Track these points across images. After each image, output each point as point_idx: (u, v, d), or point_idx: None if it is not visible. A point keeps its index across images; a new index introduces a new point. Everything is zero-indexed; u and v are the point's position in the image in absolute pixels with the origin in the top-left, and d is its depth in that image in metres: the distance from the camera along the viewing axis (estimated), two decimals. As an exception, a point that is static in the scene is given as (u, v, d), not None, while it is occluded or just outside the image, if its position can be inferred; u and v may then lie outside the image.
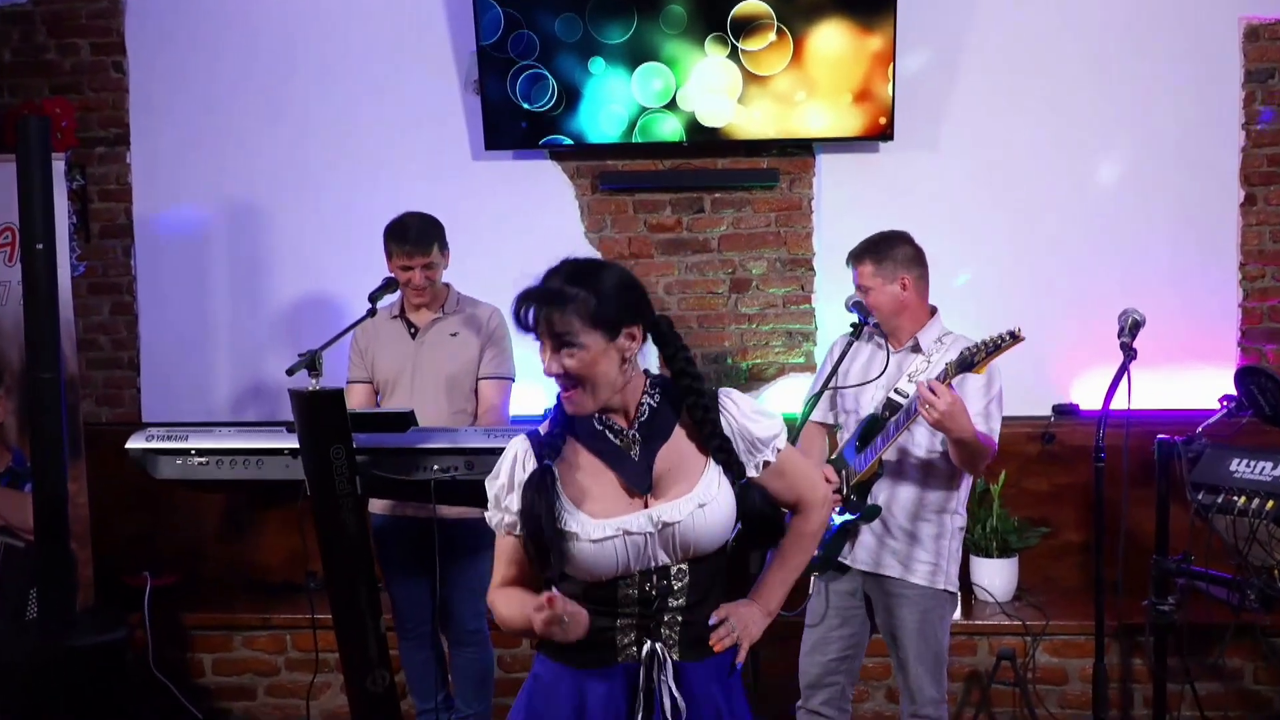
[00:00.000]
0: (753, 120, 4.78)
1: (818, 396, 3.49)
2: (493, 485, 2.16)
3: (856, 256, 3.45)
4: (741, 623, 2.18)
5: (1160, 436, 3.87)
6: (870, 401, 3.39)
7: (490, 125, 4.84)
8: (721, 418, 2.15)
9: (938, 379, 3.12)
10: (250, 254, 5.11)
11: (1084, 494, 4.72)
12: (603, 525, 2.06)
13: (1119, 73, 4.82)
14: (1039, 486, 4.81)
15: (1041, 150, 4.87)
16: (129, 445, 3.33)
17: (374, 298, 3.71)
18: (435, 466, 3.17)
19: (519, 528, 2.12)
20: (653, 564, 2.08)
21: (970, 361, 3.12)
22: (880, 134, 4.75)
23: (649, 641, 2.09)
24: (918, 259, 3.45)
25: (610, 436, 2.12)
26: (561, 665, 2.11)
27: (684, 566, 2.10)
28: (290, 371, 3.24)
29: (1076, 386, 4.85)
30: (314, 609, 3.79)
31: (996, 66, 4.88)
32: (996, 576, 4.58)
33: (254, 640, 4.62)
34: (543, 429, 2.16)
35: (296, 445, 3.17)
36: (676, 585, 2.10)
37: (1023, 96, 4.87)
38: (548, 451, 2.11)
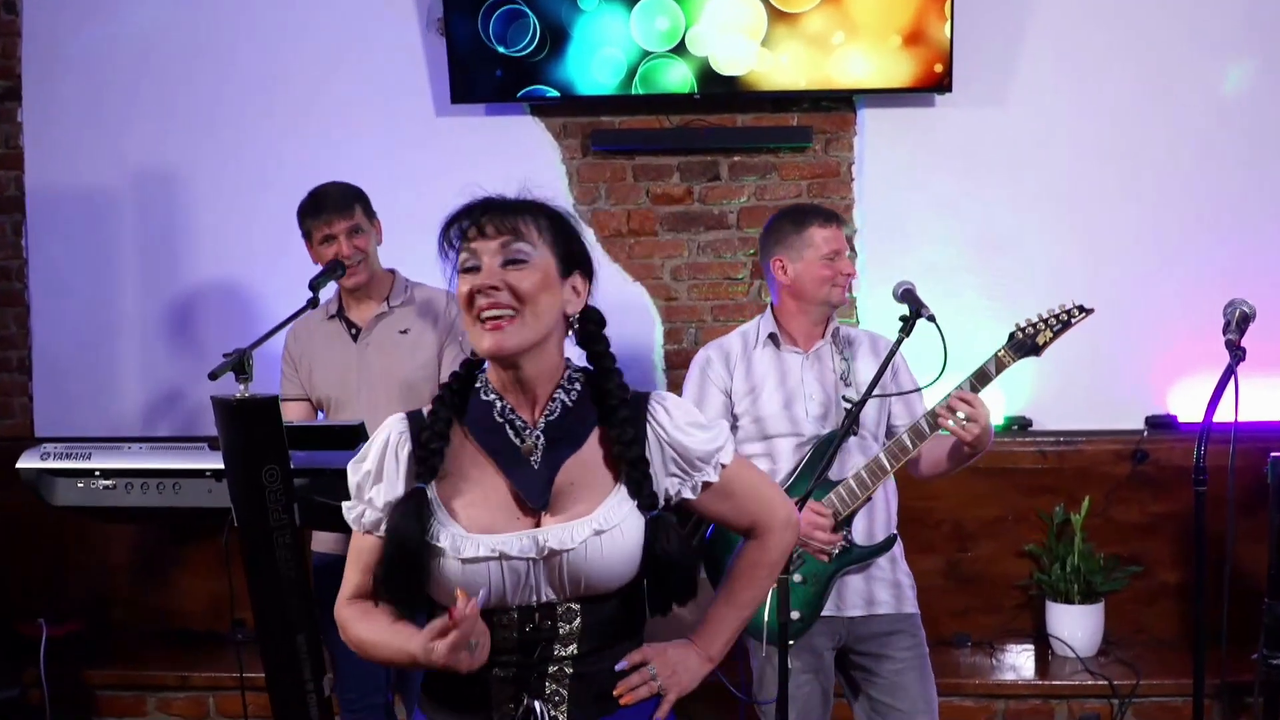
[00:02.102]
0: (780, 67, 4.79)
1: (854, 414, 3.44)
2: (355, 471, 2.14)
3: (836, 216, 3.52)
4: (667, 668, 2.14)
5: (1274, 455, 3.88)
6: (806, 418, 3.41)
7: (457, 74, 4.85)
8: (647, 429, 2.12)
9: (990, 364, 3.12)
10: (165, 233, 5.13)
11: (1183, 525, 4.73)
12: (477, 542, 2.02)
13: (1239, 14, 4.82)
14: (1129, 516, 4.82)
15: (1133, 110, 4.88)
16: (19, 465, 3.33)
17: (315, 284, 3.72)
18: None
19: (381, 529, 2.11)
20: (535, 599, 2.04)
21: (1031, 344, 3.12)
22: (935, 85, 4.76)
23: (527, 697, 2.06)
24: None
25: (509, 433, 2.09)
26: None
27: (574, 606, 2.06)
28: (214, 375, 3.25)
29: (1174, 394, 4.86)
30: (243, 666, 3.80)
31: (1078, 4, 4.89)
32: (1078, 627, 4.59)
33: (170, 703, 4.63)
34: (425, 410, 2.13)
35: (221, 466, 3.18)
36: (564, 629, 2.06)
37: (1111, 43, 4.88)
38: (427, 452, 2.06)
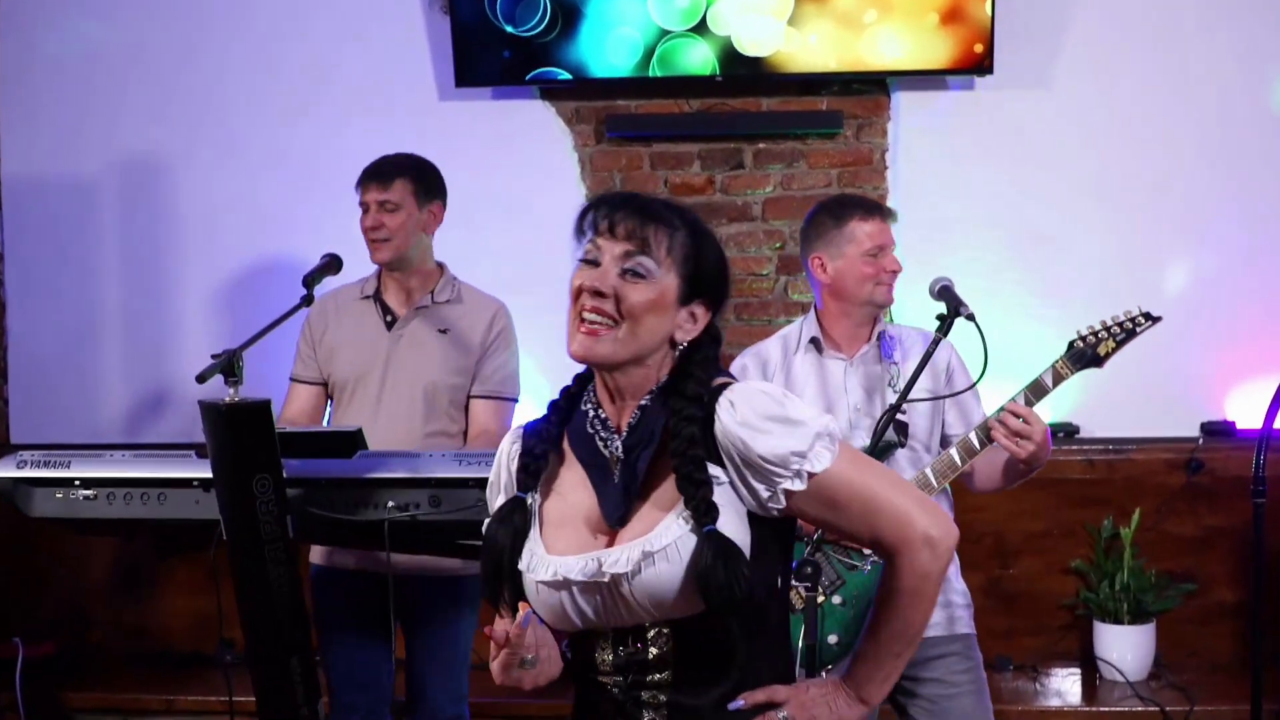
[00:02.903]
0: (808, 48, 4.80)
1: (891, 414, 3.45)
2: (489, 484, 2.21)
3: (880, 209, 3.47)
4: (803, 710, 2.05)
5: (1341, 464, 3.87)
6: (853, 434, 3.38)
7: (462, 55, 4.87)
8: (716, 427, 2.01)
9: (1048, 376, 3.11)
10: (151, 227, 5.15)
11: (1241, 539, 4.71)
12: (551, 565, 2.04)
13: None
14: (1183, 530, 4.81)
15: (1190, 92, 4.87)
16: (-6, 474, 3.36)
17: (310, 280, 3.71)
18: (390, 503, 3.17)
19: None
20: (625, 620, 2.03)
21: (1092, 354, 3.10)
22: (975, 66, 4.76)
23: None
24: None
25: (598, 443, 2.09)
26: None
27: (665, 630, 2.02)
28: (202, 378, 3.24)
29: (1232, 399, 4.85)
30: (232, 689, 3.80)
31: (1128, -23, 4.90)
32: (1128, 649, 4.59)
33: (155, 728, 4.66)
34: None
35: (209, 475, 3.19)
36: (653, 652, 2.03)
37: (1165, 19, 4.87)
38: (531, 459, 2.10)
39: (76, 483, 3.31)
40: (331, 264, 3.77)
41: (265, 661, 3.26)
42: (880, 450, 3.32)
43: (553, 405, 2.15)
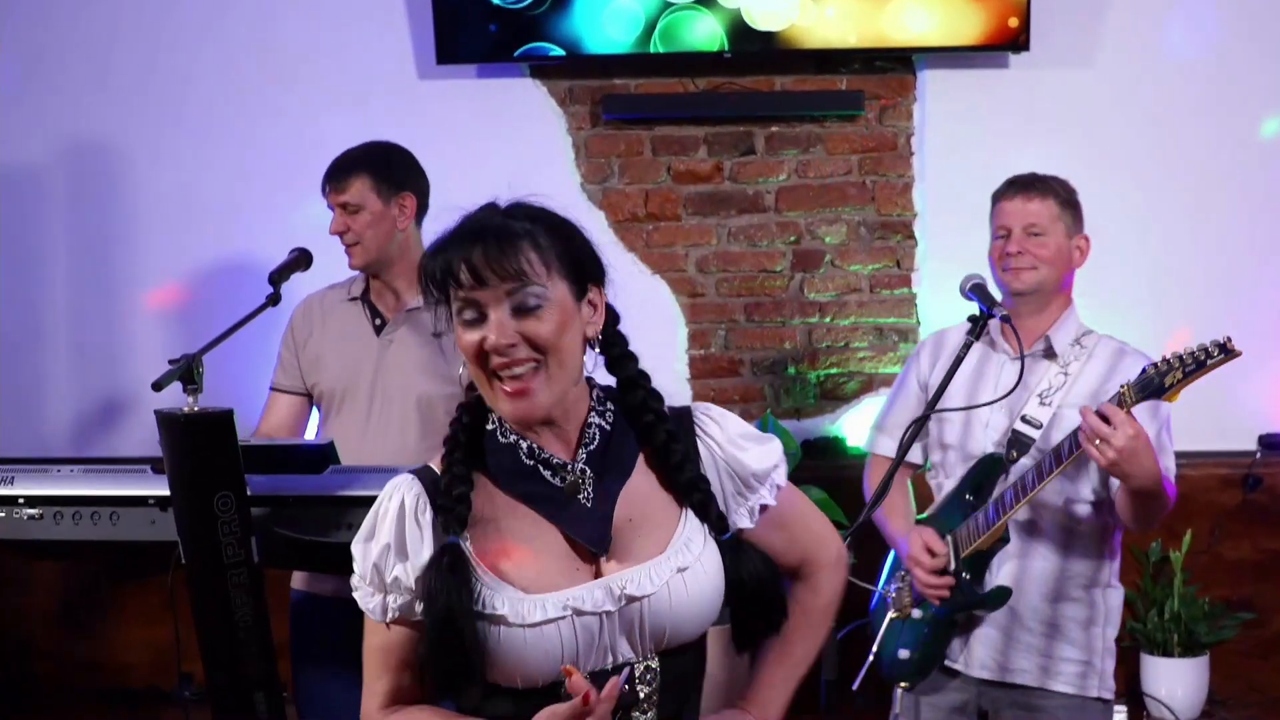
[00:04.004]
0: (826, 22, 4.80)
1: (921, 422, 3.48)
2: (366, 552, 2.08)
3: (1036, 185, 3.44)
4: None
5: None
6: (984, 432, 3.41)
7: (444, 29, 4.87)
8: (698, 444, 2.13)
9: (1114, 401, 3.11)
10: (102, 220, 5.16)
11: (1305, 563, 4.74)
12: (542, 603, 2.00)
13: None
14: (1239, 553, 4.81)
15: (1242, 69, 4.88)
16: (-71, 492, 3.36)
17: (276, 278, 3.71)
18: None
19: (415, 610, 2.05)
20: (610, 660, 2.04)
21: (1158, 384, 3.11)
22: (1010, 42, 4.77)
23: None
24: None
25: (545, 474, 2.07)
26: None
27: (653, 665, 2.07)
28: (158, 385, 3.25)
29: (1293, 410, 4.86)
30: (192, 727, 3.82)
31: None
32: (1178, 683, 4.59)
33: (107, 771, 4.67)
34: (435, 464, 2.10)
35: (166, 492, 3.19)
36: (642, 692, 2.06)
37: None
38: (452, 502, 2.03)
39: (20, 501, 3.31)
40: (300, 259, 3.78)
41: (228, 697, 3.26)
42: (987, 462, 3.33)
43: (451, 446, 2.10)
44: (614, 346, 2.14)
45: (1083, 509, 3.36)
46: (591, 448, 2.08)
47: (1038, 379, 3.36)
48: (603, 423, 2.10)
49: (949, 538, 3.38)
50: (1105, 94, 4.91)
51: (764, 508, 2.17)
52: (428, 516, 2.06)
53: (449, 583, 1.99)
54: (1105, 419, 3.05)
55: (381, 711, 2.14)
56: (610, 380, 2.17)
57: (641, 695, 2.06)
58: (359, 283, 3.85)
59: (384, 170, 3.80)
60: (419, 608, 2.04)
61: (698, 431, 2.14)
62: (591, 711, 1.91)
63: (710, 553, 2.08)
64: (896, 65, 4.95)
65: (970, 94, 4.95)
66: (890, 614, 3.41)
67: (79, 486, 3.31)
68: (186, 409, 3.09)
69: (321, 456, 3.30)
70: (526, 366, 2.01)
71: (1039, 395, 3.35)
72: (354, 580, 2.10)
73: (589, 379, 2.12)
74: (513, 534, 2.07)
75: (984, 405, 3.38)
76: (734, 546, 2.09)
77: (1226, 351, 3.10)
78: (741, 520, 2.15)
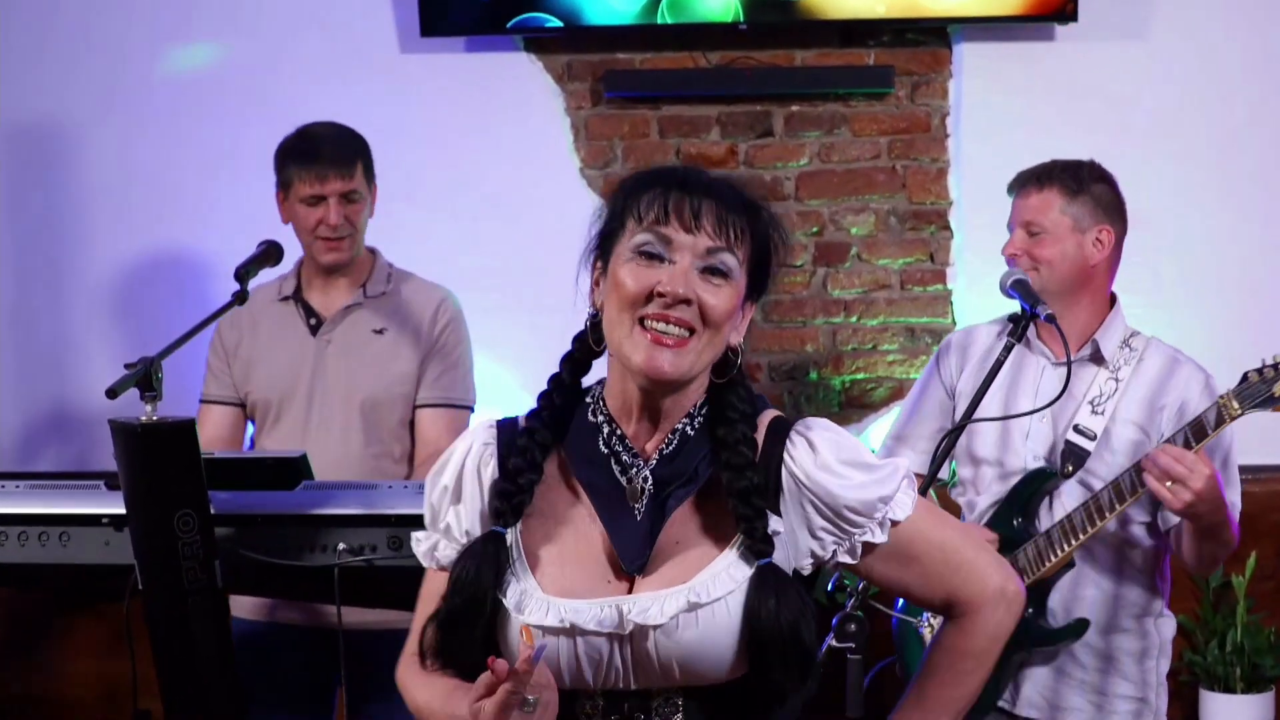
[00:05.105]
0: (851, -10, 4.81)
1: (956, 433, 3.47)
2: (433, 487, 2.18)
3: (1038, 178, 3.47)
4: None
5: None
6: (1025, 445, 3.39)
7: (431, -1, 4.88)
8: (785, 469, 2.10)
9: (1214, 414, 3.10)
10: (47, 209, 5.15)
11: (1382, 590, 4.73)
12: (546, 605, 2.05)
13: None
14: (1308, 578, 4.81)
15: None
16: None
17: (243, 274, 3.70)
18: (341, 545, 3.18)
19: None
20: (621, 683, 2.05)
21: (1267, 393, 3.10)
22: (1056, 12, 4.77)
23: None
24: (1119, 209, 3.48)
25: (614, 468, 2.11)
26: None
27: (676, 698, 2.06)
28: (113, 393, 3.24)
29: (1372, 416, 4.84)
30: (149, 770, 3.82)
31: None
32: (1241, 721, 4.58)
33: (55, 818, 4.66)
34: (523, 420, 2.16)
35: (121, 510, 3.19)
36: None
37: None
38: (515, 489, 2.08)
39: (-40, 520, 3.31)
40: (269, 253, 3.77)
41: (189, 738, 3.26)
42: (1036, 477, 3.32)
43: (539, 413, 2.14)
44: (732, 373, 2.15)
45: (1136, 531, 3.36)
46: (666, 452, 2.10)
47: (1085, 385, 3.36)
48: (689, 426, 2.11)
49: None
50: (1160, 69, 4.91)
51: (870, 545, 2.10)
52: (490, 469, 2.13)
53: (483, 574, 2.05)
54: (1175, 459, 3.06)
55: (411, 656, 2.21)
56: None
57: None
58: (290, 280, 3.87)
59: (368, 153, 3.84)
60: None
61: (786, 452, 2.10)
62: (505, 680, 1.91)
63: (742, 589, 2.04)
64: (930, 38, 4.94)
65: (1012, 69, 4.94)
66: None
67: (25, 504, 3.32)
68: (144, 418, 3.09)
69: (293, 470, 3.30)
70: (683, 330, 2.04)
71: (1090, 403, 3.35)
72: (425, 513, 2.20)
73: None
74: (561, 522, 2.12)
75: (1026, 414, 3.38)
76: (759, 577, 2.04)
77: None
78: (842, 555, 2.11)
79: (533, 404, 2.17)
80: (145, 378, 3.17)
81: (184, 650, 3.17)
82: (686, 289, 2.02)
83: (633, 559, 2.06)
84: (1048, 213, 3.41)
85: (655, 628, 2.01)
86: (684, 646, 2.02)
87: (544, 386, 2.16)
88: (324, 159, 3.76)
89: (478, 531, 2.12)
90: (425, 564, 2.19)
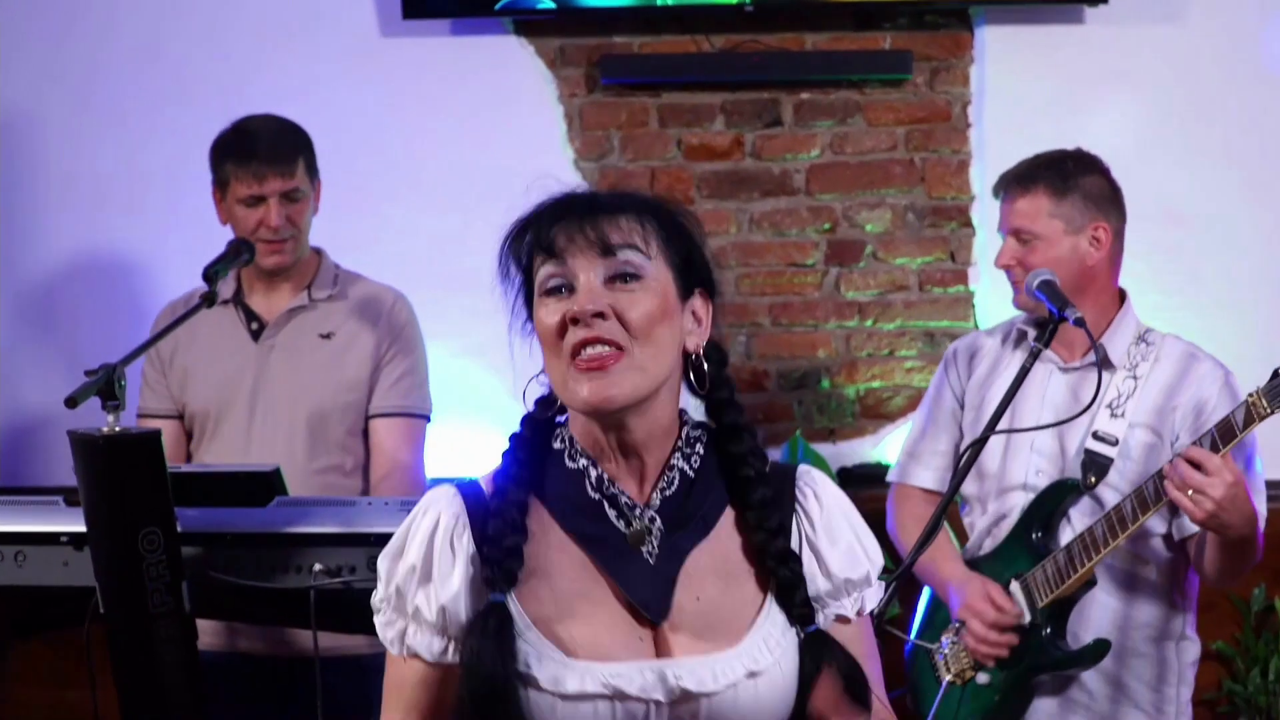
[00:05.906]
0: (865, -31, 4.82)
1: (979, 446, 3.46)
2: (392, 569, 2.13)
3: (1020, 180, 3.49)
4: None
5: None
6: (1028, 457, 3.39)
7: (413, -24, 4.89)
8: (793, 520, 2.13)
9: (1240, 413, 3.10)
10: (4, 202, 5.16)
11: None
12: (583, 673, 2.03)
13: None
14: (1357, 602, 4.81)
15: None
16: None
17: (212, 274, 3.71)
18: (317, 565, 3.18)
19: (433, 649, 2.09)
20: None
21: None
22: (1085, -7, 4.79)
23: None
24: (1114, 198, 3.51)
25: (610, 514, 2.10)
26: None
27: None
28: (72, 401, 3.25)
29: None
30: (111, 807, 3.82)
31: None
32: (1286, 756, 4.59)
33: None
34: (485, 483, 2.14)
35: (82, 528, 3.19)
36: None
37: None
38: (501, 554, 2.06)
39: (-94, 539, 3.31)
40: (239, 250, 3.78)
41: (154, 773, 3.26)
42: (1056, 492, 3.32)
43: (507, 470, 2.12)
44: (721, 389, 2.14)
45: (1152, 543, 3.36)
46: (668, 493, 2.10)
47: (1101, 389, 3.36)
48: (686, 467, 2.11)
49: (1015, 584, 3.37)
50: (1195, 54, 4.93)
51: (841, 618, 2.14)
52: (465, 541, 2.09)
53: (494, 649, 2.02)
54: (1197, 465, 3.05)
55: None
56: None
57: None
58: (229, 283, 3.86)
59: (311, 150, 3.85)
60: (437, 646, 2.09)
61: (796, 504, 2.14)
62: None
63: (790, 651, 2.07)
64: (951, 20, 4.96)
65: (1038, 54, 4.97)
66: (947, 679, 3.41)
67: (-23, 522, 3.32)
68: (106, 429, 3.10)
69: (266, 485, 3.30)
70: (608, 348, 2.03)
71: (1108, 406, 3.35)
72: (375, 601, 2.15)
73: (682, 412, 2.14)
74: (565, 583, 2.09)
75: (1052, 426, 3.38)
76: (816, 642, 2.07)
77: None
78: (819, 620, 2.12)
79: (526, 411, 2.17)
80: (107, 386, 3.17)
81: (149, 679, 3.17)
82: (594, 303, 2.02)
83: (653, 607, 2.06)
84: (1037, 218, 3.43)
85: (708, 697, 2.03)
86: (741, 712, 2.04)
87: (507, 442, 2.16)
88: (261, 157, 3.76)
89: (459, 609, 2.08)
90: (393, 651, 2.14)
